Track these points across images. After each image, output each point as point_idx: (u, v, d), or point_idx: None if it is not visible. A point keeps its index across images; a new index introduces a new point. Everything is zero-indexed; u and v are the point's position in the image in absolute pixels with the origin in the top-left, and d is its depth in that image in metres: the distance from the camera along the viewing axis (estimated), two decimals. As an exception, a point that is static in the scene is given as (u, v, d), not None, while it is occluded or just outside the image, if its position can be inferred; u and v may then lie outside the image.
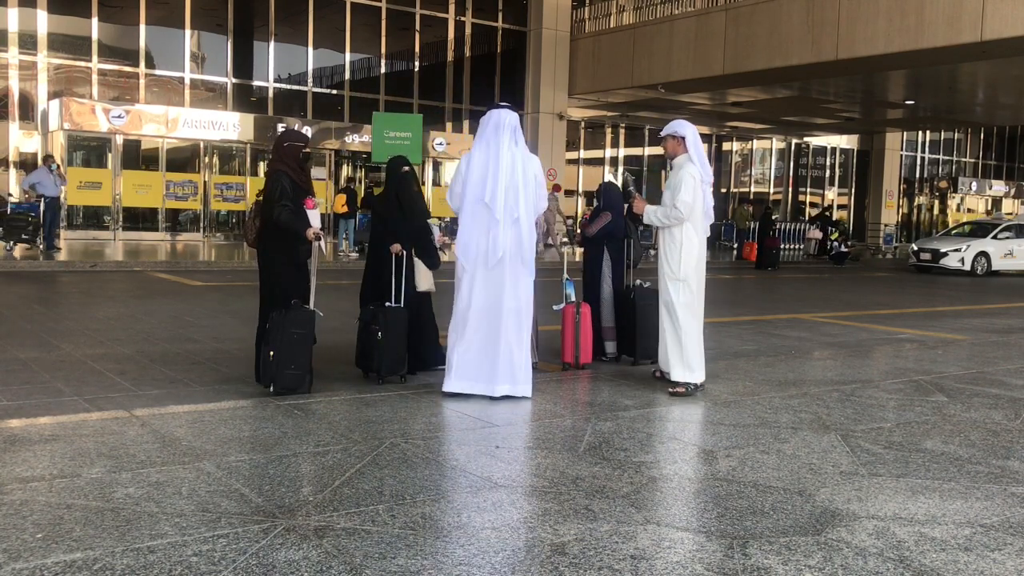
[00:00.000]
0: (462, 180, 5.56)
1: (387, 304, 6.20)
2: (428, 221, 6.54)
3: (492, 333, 5.51)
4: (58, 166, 17.65)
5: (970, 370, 7.21)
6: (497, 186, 5.43)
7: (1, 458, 3.97)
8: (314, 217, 5.72)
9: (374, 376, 6.13)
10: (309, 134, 22.92)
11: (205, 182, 22.16)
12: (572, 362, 6.74)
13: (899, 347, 8.84)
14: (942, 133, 40.21)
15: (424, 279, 6.45)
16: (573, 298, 6.82)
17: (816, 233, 25.60)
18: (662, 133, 6.12)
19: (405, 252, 6.29)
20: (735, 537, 3.35)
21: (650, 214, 5.97)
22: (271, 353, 5.48)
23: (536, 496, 3.76)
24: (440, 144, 24.91)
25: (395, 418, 4.96)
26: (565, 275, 6.96)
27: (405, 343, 6.12)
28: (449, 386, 5.56)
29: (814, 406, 5.66)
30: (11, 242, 15.66)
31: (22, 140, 21.38)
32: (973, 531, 3.50)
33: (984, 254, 22.07)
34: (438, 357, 6.45)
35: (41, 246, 16.07)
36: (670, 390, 5.89)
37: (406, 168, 6.57)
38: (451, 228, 6.73)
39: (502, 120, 5.54)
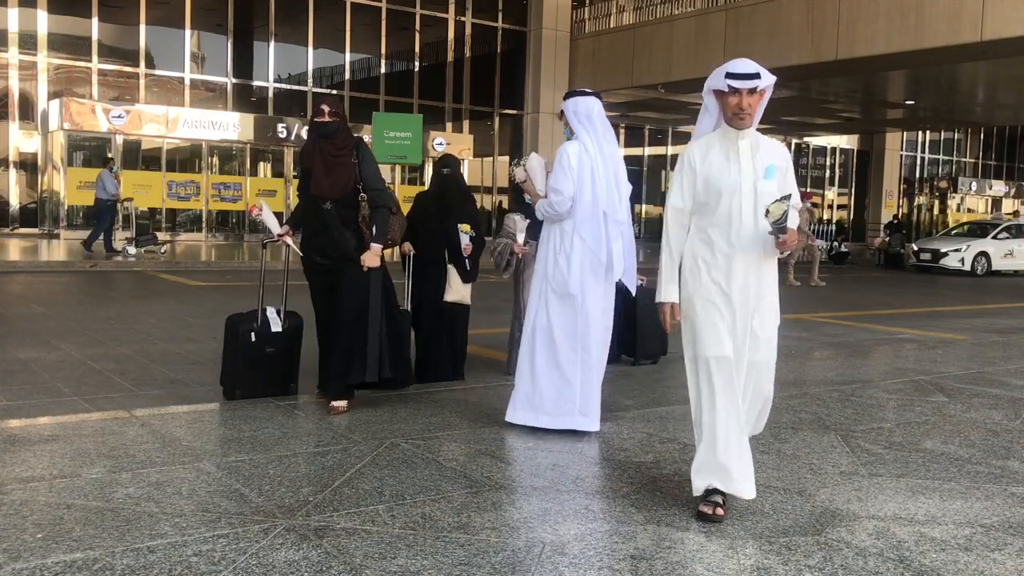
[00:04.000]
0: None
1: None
2: (458, 226, 6.10)
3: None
4: (118, 168, 17.77)
5: (970, 370, 7.21)
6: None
7: (1, 458, 3.97)
8: (268, 221, 5.33)
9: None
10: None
11: (206, 182, 22.16)
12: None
13: (899, 347, 8.83)
14: (942, 133, 40.20)
15: (454, 289, 6.09)
16: None
17: (879, 241, 25.60)
18: (759, 81, 3.50)
19: (417, 256, 6.12)
20: (735, 537, 3.35)
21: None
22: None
23: (536, 496, 3.76)
24: (440, 144, 24.89)
25: (395, 418, 4.96)
26: None
27: (409, 345, 6.11)
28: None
29: (814, 406, 5.65)
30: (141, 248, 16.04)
31: (22, 140, 21.39)
32: (973, 531, 3.50)
33: (984, 254, 22.10)
34: (445, 374, 6.31)
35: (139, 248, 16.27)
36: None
37: (446, 170, 6.33)
38: (481, 239, 6.40)
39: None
